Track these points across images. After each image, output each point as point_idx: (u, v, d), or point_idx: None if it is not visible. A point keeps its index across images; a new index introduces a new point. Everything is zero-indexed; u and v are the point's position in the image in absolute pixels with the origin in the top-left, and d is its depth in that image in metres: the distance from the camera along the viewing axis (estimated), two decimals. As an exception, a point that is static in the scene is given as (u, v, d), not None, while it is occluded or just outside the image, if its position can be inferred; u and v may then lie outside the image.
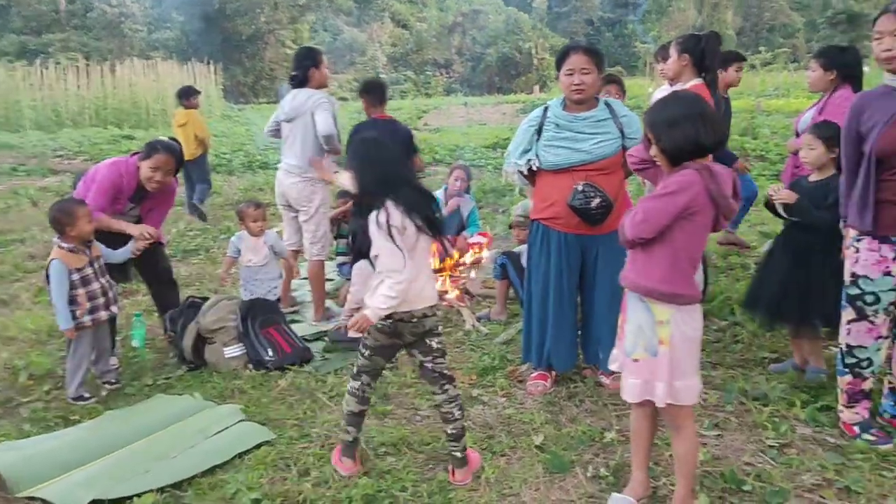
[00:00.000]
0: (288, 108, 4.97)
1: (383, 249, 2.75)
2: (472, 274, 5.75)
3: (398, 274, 2.73)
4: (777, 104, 18.87)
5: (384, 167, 2.83)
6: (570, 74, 3.53)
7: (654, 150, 2.54)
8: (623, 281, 2.60)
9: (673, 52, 4.81)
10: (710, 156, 2.58)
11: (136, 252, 4.18)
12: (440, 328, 2.98)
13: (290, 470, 3.11)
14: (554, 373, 3.88)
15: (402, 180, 2.84)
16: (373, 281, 2.82)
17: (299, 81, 4.96)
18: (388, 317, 2.82)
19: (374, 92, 5.35)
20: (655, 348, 2.49)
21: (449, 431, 2.99)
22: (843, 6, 34.94)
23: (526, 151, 3.73)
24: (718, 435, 3.30)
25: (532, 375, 3.90)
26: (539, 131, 3.71)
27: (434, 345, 2.95)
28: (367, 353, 2.99)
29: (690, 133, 2.41)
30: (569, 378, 3.89)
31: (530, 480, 2.97)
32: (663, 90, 5.06)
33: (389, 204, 2.75)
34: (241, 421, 3.56)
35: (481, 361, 4.20)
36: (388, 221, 2.72)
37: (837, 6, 35.74)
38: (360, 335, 2.95)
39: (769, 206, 3.79)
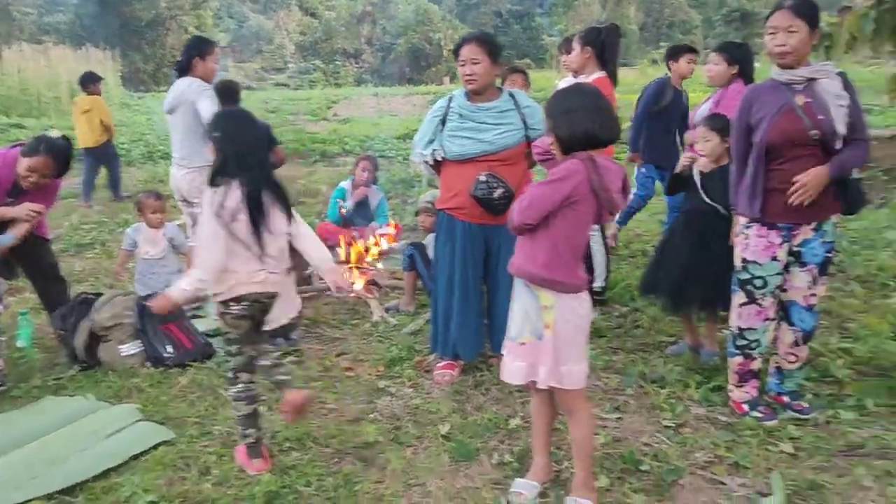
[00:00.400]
0: (170, 98, 4.78)
1: (208, 229, 2.76)
2: (381, 265, 5.71)
3: (214, 257, 2.75)
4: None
5: (246, 146, 2.83)
6: (463, 65, 3.57)
7: (550, 139, 2.59)
8: (510, 267, 2.67)
9: (576, 45, 4.91)
10: (612, 149, 2.66)
11: (20, 237, 3.91)
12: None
13: (190, 469, 3.01)
14: (461, 362, 3.90)
15: (258, 165, 2.83)
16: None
17: (181, 69, 4.78)
18: (242, 301, 2.85)
19: (226, 94, 5.20)
20: (541, 332, 2.56)
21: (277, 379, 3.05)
22: (737, 4, 36.61)
23: (431, 142, 3.74)
24: (619, 418, 3.40)
25: (439, 365, 3.90)
26: (444, 121, 3.72)
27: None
28: (234, 349, 2.96)
29: (585, 124, 2.47)
30: (475, 367, 3.91)
31: (436, 469, 2.98)
32: (567, 82, 5.16)
33: (234, 185, 2.75)
34: (138, 421, 3.42)
35: (389, 353, 4.17)
36: (222, 202, 2.73)
37: (732, 4, 37.42)
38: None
39: (680, 179, 3.88)
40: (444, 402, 3.55)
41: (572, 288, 2.58)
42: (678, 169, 3.94)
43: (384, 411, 3.51)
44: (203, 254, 2.78)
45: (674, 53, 5.88)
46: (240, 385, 2.97)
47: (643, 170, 5.99)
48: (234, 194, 2.75)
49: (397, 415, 3.47)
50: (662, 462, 3.00)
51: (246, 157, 2.80)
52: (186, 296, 2.80)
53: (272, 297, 2.94)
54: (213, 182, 2.80)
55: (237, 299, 2.84)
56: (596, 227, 4.82)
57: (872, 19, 8.44)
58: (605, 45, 4.88)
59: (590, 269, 4.86)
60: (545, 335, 2.57)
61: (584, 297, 2.63)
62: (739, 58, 4.87)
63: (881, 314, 4.32)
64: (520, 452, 3.06)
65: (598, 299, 4.82)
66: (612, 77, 4.86)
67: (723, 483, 2.86)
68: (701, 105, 5.14)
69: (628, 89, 20.09)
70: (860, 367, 3.77)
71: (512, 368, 2.67)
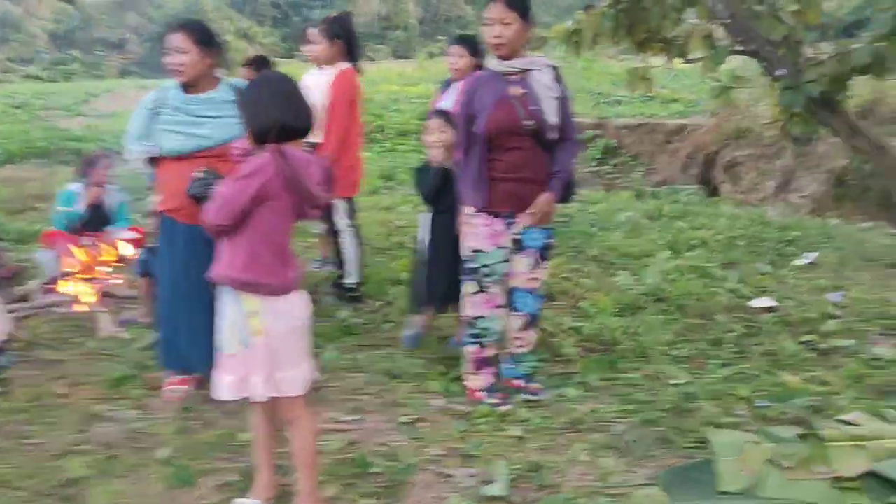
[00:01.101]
0: None
1: None
2: (119, 274, 5.19)
3: None
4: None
5: None
6: (169, 55, 3.29)
7: (246, 133, 2.42)
8: (211, 274, 2.45)
9: (321, 37, 4.77)
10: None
11: None
12: None
13: None
14: (194, 375, 3.60)
15: None
16: None
17: None
18: None
19: None
20: (249, 340, 2.38)
21: None
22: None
23: (143, 137, 3.42)
24: (358, 418, 3.30)
25: (170, 381, 3.58)
26: (157, 115, 3.41)
27: None
28: None
29: (275, 114, 2.33)
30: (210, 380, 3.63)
31: (148, 501, 2.69)
32: (315, 75, 5.00)
33: None
34: None
35: (114, 372, 3.75)
36: None
37: (502, 2, 39.34)
38: None
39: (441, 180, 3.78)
40: (171, 423, 3.25)
41: (279, 289, 2.43)
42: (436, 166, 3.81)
43: (99, 440, 3.13)
44: None
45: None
46: None
47: None
48: None
49: (113, 443, 3.11)
50: (396, 461, 2.94)
51: None
52: None
53: None
54: None
55: None
56: (349, 221, 4.71)
57: (611, 17, 9.17)
58: (350, 36, 4.80)
59: (341, 266, 4.76)
60: (255, 343, 2.41)
61: (296, 297, 2.49)
62: (481, 50, 4.97)
63: (608, 292, 4.62)
64: (247, 469, 2.85)
65: (352, 296, 4.72)
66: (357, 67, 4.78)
67: (452, 476, 2.85)
68: (443, 97, 5.18)
69: (407, 81, 20.53)
70: (588, 344, 3.99)
71: (222, 384, 2.49)
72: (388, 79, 21.05)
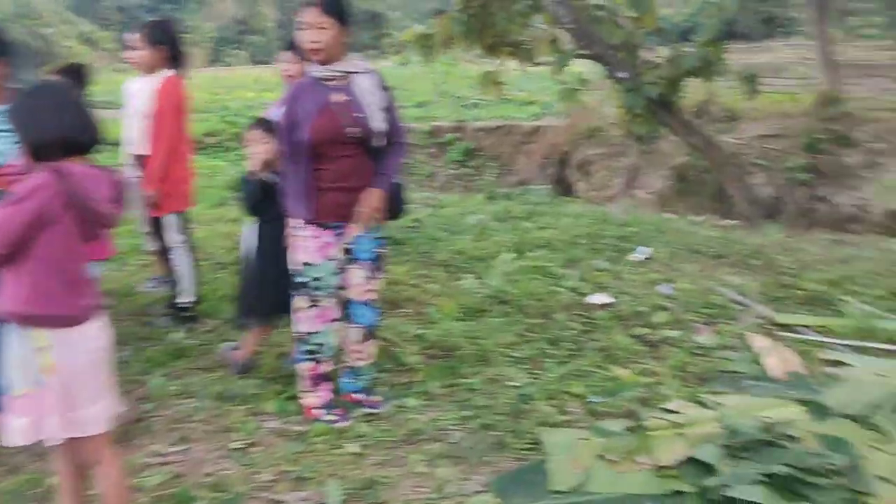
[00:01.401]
0: None
1: None
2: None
3: None
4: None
5: None
6: None
7: (22, 148, 2.20)
8: None
9: (142, 42, 4.50)
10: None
11: None
12: None
13: None
14: None
15: None
16: None
17: None
18: None
19: None
20: (41, 379, 2.17)
21: None
22: (367, 6, 38.46)
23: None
24: (185, 449, 3.09)
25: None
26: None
27: None
28: None
29: (56, 127, 2.13)
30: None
31: (-69, 567, 2.40)
32: (136, 81, 4.71)
33: None
34: None
35: None
36: None
37: (361, 6, 39.18)
38: None
39: (258, 187, 3.61)
40: (-32, 473, 2.93)
41: (70, 320, 2.22)
42: (257, 177, 3.62)
43: None
44: None
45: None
46: None
47: None
48: None
49: None
50: (223, 492, 2.77)
51: None
52: None
53: None
54: None
55: None
56: (181, 237, 4.45)
57: (462, 22, 9.29)
58: (174, 41, 4.55)
59: (174, 284, 4.50)
60: (47, 381, 2.19)
61: (91, 327, 2.28)
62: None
63: (453, 296, 4.61)
64: (52, 517, 2.61)
65: (186, 316, 4.47)
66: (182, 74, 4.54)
67: (283, 501, 2.72)
68: (277, 105, 5.02)
69: (264, 87, 19.94)
70: (431, 350, 3.94)
71: (13, 428, 2.24)
72: (244, 84, 20.41)
